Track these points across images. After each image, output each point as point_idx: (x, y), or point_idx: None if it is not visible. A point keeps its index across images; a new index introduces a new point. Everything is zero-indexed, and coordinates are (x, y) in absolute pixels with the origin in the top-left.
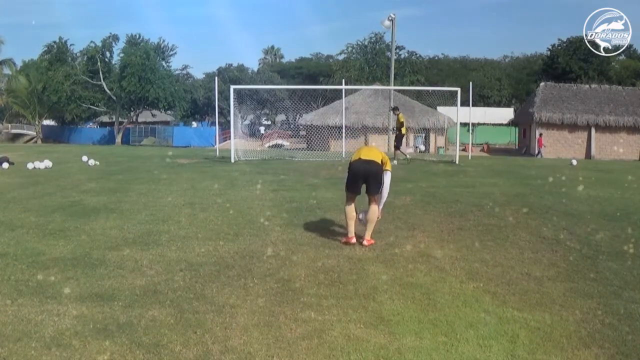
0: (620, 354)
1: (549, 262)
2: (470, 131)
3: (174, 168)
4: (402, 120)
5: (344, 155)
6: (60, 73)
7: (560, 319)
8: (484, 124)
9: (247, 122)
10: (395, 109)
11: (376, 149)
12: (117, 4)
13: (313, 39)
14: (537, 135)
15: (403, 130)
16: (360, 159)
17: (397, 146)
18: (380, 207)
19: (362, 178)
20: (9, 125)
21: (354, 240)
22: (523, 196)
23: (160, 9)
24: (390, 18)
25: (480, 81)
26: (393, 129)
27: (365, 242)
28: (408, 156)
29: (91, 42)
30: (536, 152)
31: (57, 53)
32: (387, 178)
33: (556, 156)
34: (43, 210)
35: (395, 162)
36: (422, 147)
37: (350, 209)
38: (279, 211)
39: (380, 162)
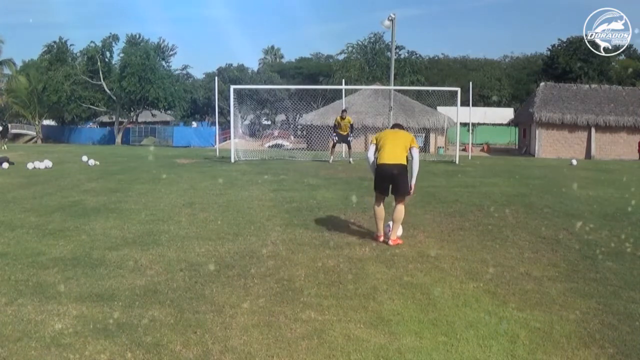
0: (620, 354)
1: (549, 262)
2: (470, 131)
3: (174, 168)
4: (351, 121)
5: (343, 155)
6: (60, 73)
7: (560, 319)
8: (484, 124)
9: (247, 122)
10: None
11: (403, 137)
12: (117, 4)
13: (313, 39)
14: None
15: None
16: (385, 163)
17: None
18: (413, 181)
19: (389, 180)
20: (9, 125)
21: (382, 238)
22: (523, 196)
23: (160, 9)
24: (390, 18)
25: (480, 81)
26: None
27: (390, 242)
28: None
29: (91, 42)
30: (638, 157)
31: (57, 53)
32: (415, 154)
33: (556, 156)
34: (43, 210)
35: (351, 160)
36: None
37: (379, 209)
38: (279, 211)
39: (406, 163)
